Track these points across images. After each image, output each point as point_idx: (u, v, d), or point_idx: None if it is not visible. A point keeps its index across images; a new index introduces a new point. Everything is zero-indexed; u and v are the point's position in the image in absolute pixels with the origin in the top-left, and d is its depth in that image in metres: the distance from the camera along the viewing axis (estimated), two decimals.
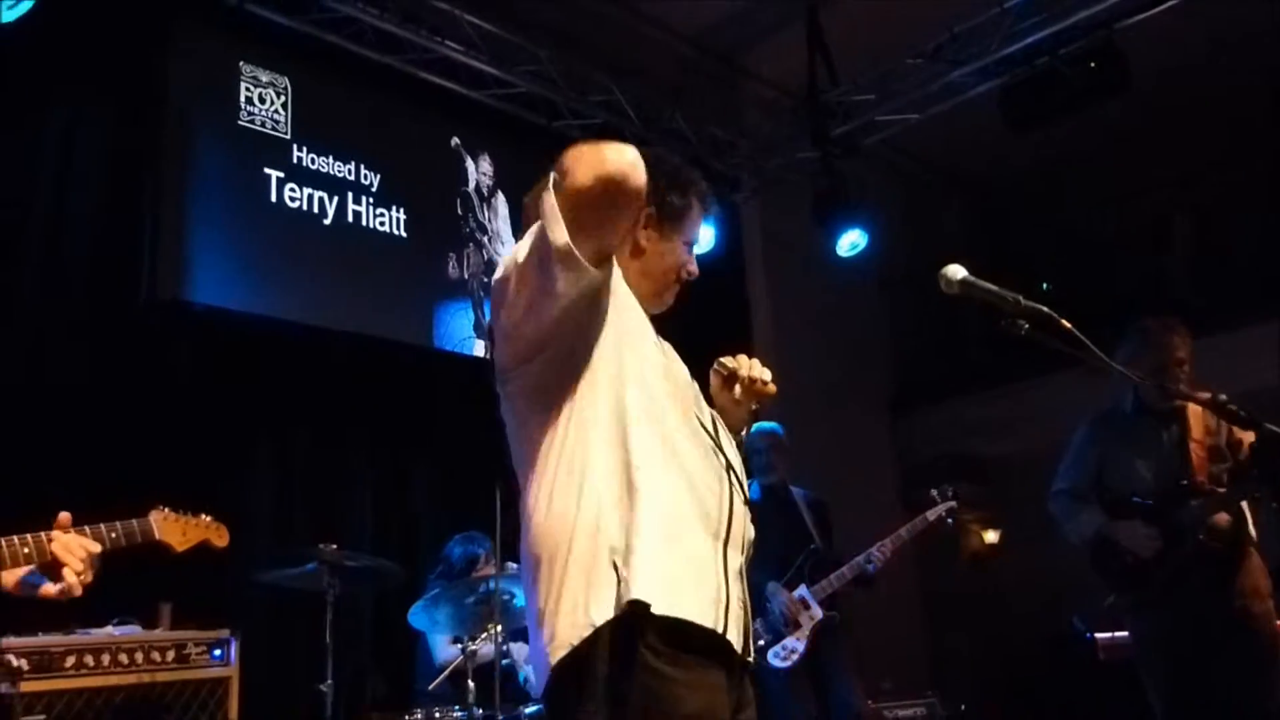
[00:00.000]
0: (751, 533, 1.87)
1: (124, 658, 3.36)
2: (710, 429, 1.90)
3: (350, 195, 5.40)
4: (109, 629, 3.41)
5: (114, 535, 2.08)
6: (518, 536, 1.80)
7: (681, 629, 1.64)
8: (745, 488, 1.90)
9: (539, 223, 1.66)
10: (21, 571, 1.94)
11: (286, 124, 5.22)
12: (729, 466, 1.86)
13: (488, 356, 5.30)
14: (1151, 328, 3.71)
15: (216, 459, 4.56)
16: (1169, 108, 7.25)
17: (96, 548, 2.00)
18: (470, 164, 6.02)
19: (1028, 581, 6.98)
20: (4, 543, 1.92)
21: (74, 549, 1.96)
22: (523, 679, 4.18)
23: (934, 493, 4.72)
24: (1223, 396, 2.25)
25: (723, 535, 1.78)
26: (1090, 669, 5.20)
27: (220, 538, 2.45)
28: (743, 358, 2.08)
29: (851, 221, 6.57)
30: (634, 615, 1.61)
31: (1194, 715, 3.52)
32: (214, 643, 3.59)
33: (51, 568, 1.96)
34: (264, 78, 5.19)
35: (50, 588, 1.96)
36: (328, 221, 5.27)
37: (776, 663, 4.42)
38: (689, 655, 1.65)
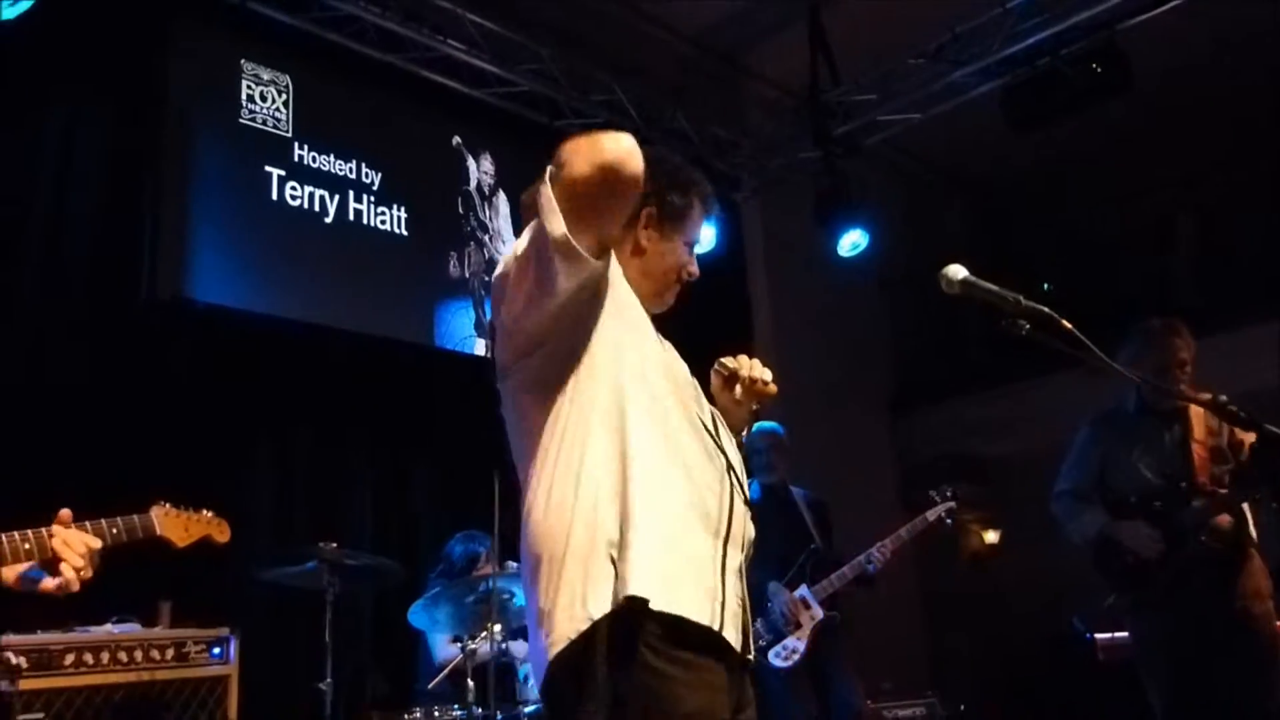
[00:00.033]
0: (752, 532, 1.87)
1: (123, 656, 3.36)
2: (711, 427, 1.90)
3: (351, 194, 5.39)
4: (108, 627, 3.41)
5: (115, 531, 2.08)
6: (518, 533, 1.80)
7: (679, 625, 1.64)
8: (745, 487, 1.90)
9: (537, 217, 1.66)
10: (22, 567, 1.94)
11: (288, 122, 5.22)
12: (729, 465, 1.86)
13: (489, 355, 5.32)
14: (1154, 328, 3.71)
15: (217, 457, 4.56)
16: (1172, 108, 7.24)
17: (97, 543, 2.00)
18: (471, 163, 6.02)
19: (1028, 582, 6.97)
20: (4, 538, 1.92)
21: (74, 544, 1.96)
22: (523, 676, 4.19)
23: (933, 493, 4.72)
24: (1223, 397, 2.25)
25: (723, 533, 1.78)
26: (1090, 669, 5.20)
27: (222, 533, 2.45)
28: (743, 358, 2.08)
29: (852, 221, 6.56)
30: (631, 611, 1.61)
31: (1194, 716, 3.52)
32: (213, 641, 3.59)
33: (52, 564, 1.96)
34: (265, 76, 5.19)
35: (49, 582, 1.96)
36: (329, 220, 5.27)
37: (777, 662, 4.42)
38: (688, 653, 1.64)
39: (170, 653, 3.48)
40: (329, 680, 3.61)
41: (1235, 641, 3.44)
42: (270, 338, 4.94)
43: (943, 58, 6.16)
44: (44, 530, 1.95)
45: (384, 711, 3.97)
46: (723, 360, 2.08)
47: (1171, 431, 3.68)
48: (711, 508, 1.77)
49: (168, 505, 2.29)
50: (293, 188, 5.16)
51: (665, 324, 2.02)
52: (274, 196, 5.09)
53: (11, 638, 3.06)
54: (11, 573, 1.94)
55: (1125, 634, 4.11)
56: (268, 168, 5.09)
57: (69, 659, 3.24)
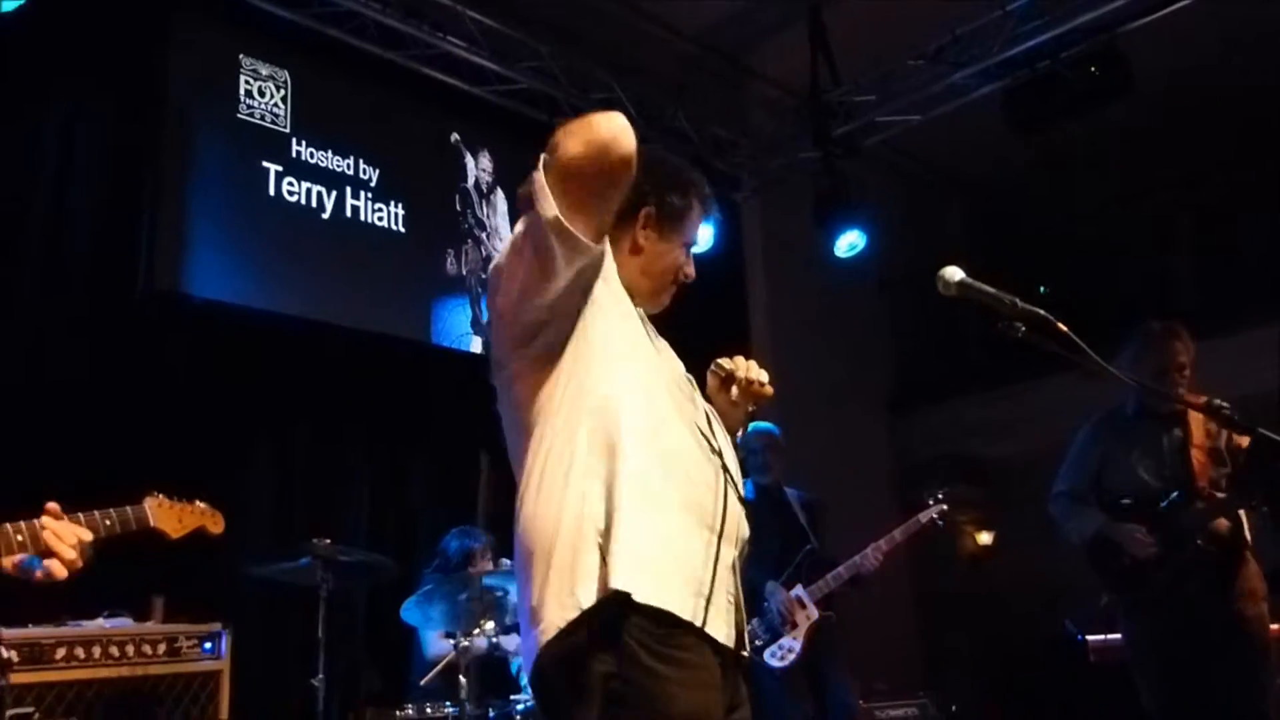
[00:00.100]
0: (746, 530, 1.86)
1: (115, 650, 3.35)
2: (705, 425, 1.89)
3: (349, 190, 5.38)
4: (100, 621, 3.41)
5: (109, 522, 2.07)
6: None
7: (668, 620, 1.63)
8: (740, 485, 1.89)
9: (533, 206, 1.66)
10: (19, 557, 1.94)
11: (286, 117, 5.21)
12: (724, 464, 1.85)
13: (485, 353, 5.31)
14: (1154, 331, 3.71)
15: (213, 452, 4.55)
16: (1176, 108, 7.24)
17: (88, 535, 1.99)
18: (470, 160, 6.01)
19: (1026, 583, 6.97)
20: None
21: (65, 536, 1.95)
22: (515, 670, 4.19)
23: (927, 495, 4.75)
24: (1218, 401, 2.25)
25: (717, 528, 1.77)
26: (1082, 671, 5.20)
27: (216, 524, 2.43)
28: (740, 359, 2.08)
29: (851, 222, 6.56)
30: (618, 604, 1.60)
31: (1187, 717, 3.52)
32: (205, 636, 3.58)
33: (47, 555, 1.95)
34: (264, 71, 5.17)
35: (40, 572, 1.95)
36: (326, 216, 5.26)
37: (773, 662, 4.42)
38: (682, 652, 1.64)
39: (162, 648, 3.47)
40: (322, 676, 3.61)
41: (1229, 644, 3.45)
42: (267, 333, 4.93)
43: (943, 59, 6.16)
44: (35, 521, 1.95)
45: (377, 707, 3.97)
46: (719, 361, 2.08)
47: (1170, 435, 3.69)
48: (705, 502, 1.77)
49: (161, 496, 2.27)
50: (290, 183, 5.15)
51: (663, 323, 2.02)
52: (271, 192, 5.07)
53: (2, 631, 3.05)
54: (9, 561, 1.94)
55: (1118, 636, 4.12)
56: (265, 163, 5.08)
57: (60, 653, 3.24)
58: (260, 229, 5.04)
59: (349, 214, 5.36)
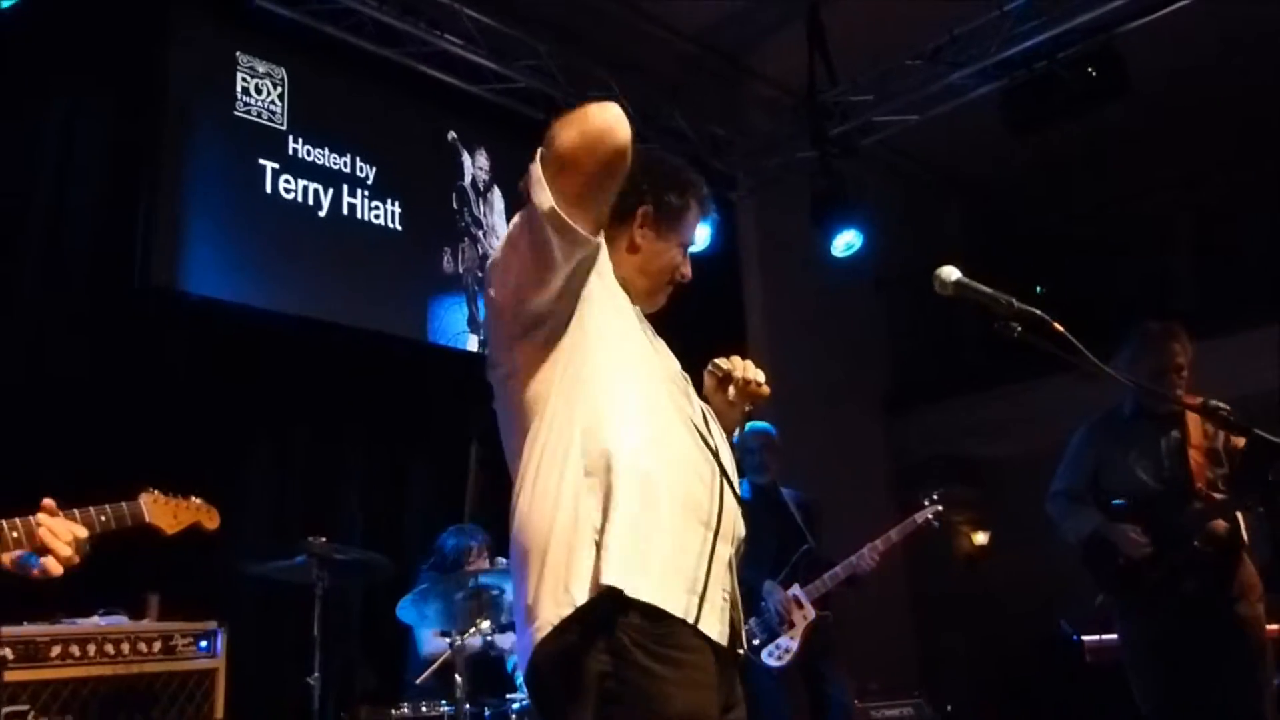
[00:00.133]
0: (742, 529, 1.86)
1: (110, 648, 3.35)
2: (701, 423, 1.89)
3: (345, 187, 5.38)
4: (95, 619, 3.40)
5: (104, 519, 2.07)
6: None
7: (662, 617, 1.63)
8: (736, 484, 1.89)
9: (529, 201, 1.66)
10: (16, 553, 1.94)
11: (283, 115, 5.20)
12: (720, 462, 1.85)
13: (482, 351, 5.31)
14: (1152, 332, 3.71)
15: (210, 450, 4.54)
16: (1175, 108, 7.24)
17: (83, 532, 1.99)
18: (467, 158, 6.00)
19: (1021, 583, 6.97)
20: None
21: (61, 533, 1.95)
22: (511, 668, 4.18)
23: (923, 496, 4.75)
24: (1214, 402, 2.25)
25: (713, 525, 1.76)
26: (1078, 671, 5.21)
27: (211, 520, 2.43)
28: (736, 359, 2.08)
29: (848, 222, 6.56)
30: (611, 600, 1.60)
31: (1183, 718, 3.52)
32: (201, 634, 3.58)
33: (43, 551, 1.95)
34: (261, 68, 5.17)
35: (36, 569, 1.95)
36: (322, 214, 5.26)
37: (770, 662, 4.42)
38: (678, 651, 1.63)
39: (157, 646, 3.46)
40: (317, 675, 3.60)
41: (1225, 644, 3.45)
42: (263, 331, 4.92)
43: (940, 59, 6.16)
44: (30, 518, 1.95)
45: (373, 706, 3.96)
46: (716, 361, 2.08)
47: (1168, 436, 3.68)
48: (701, 498, 1.76)
49: (156, 492, 2.27)
50: (286, 181, 5.14)
51: (659, 322, 2.02)
52: (268, 189, 5.06)
53: None
54: (6, 558, 1.94)
55: (1113, 636, 4.12)
56: (262, 160, 5.07)
57: (55, 651, 3.23)
58: (257, 226, 5.03)
59: (345, 212, 5.35)
